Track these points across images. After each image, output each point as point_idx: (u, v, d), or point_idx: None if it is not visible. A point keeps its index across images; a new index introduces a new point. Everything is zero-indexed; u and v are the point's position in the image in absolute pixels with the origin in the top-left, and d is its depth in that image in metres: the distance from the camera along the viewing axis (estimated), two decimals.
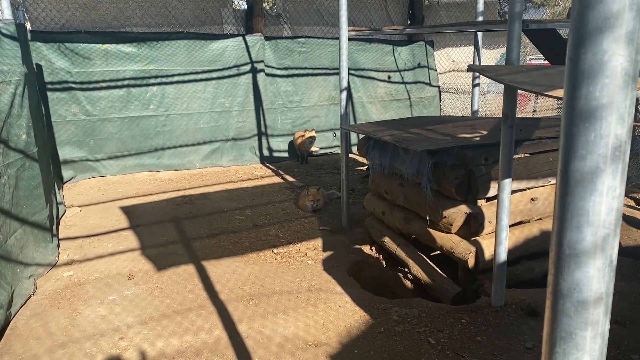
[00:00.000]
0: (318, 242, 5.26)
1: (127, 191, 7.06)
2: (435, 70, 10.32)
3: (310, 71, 8.96)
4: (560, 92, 2.64)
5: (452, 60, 10.95)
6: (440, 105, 10.48)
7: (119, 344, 3.47)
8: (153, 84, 7.86)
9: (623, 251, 5.03)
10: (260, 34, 8.69)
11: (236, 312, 3.85)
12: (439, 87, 10.38)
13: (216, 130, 8.32)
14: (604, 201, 0.76)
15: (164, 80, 7.92)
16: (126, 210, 6.22)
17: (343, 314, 3.90)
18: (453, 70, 10.85)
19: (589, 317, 0.80)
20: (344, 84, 5.38)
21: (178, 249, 5.04)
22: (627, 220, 5.82)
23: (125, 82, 7.68)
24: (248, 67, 8.44)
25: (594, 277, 0.79)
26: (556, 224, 0.81)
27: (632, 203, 6.58)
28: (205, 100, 8.20)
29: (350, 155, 8.27)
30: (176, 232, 5.47)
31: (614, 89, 0.73)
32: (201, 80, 8.15)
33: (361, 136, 5.40)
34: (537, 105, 11.33)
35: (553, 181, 4.62)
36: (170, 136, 8.06)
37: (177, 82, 8.00)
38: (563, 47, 4.21)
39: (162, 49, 7.84)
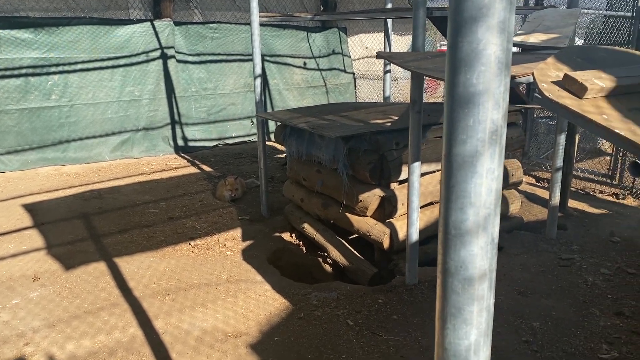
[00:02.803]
0: (237, 232, 5.20)
1: (30, 187, 6.62)
2: (350, 56, 10.46)
3: (224, 57, 8.78)
4: None
5: (365, 46, 11.14)
6: (356, 92, 10.65)
7: (24, 350, 3.27)
8: (54, 73, 7.37)
9: (525, 226, 5.39)
10: (169, 19, 8.38)
11: (152, 308, 3.74)
12: (353, 73, 10.54)
13: (126, 120, 7.97)
14: (484, 183, 0.80)
15: (66, 68, 7.45)
16: (29, 207, 5.83)
17: (263, 303, 3.90)
18: (367, 57, 11.04)
19: (474, 292, 0.85)
20: (258, 70, 5.33)
21: (88, 247, 4.80)
22: (529, 197, 6.23)
23: (23, 71, 7.15)
24: (158, 54, 8.13)
25: (478, 255, 0.83)
26: (442, 205, 0.84)
27: (533, 181, 7.05)
28: (113, 89, 7.82)
29: (269, 143, 8.23)
30: (85, 229, 5.20)
31: (490, 76, 0.77)
32: (107, 67, 7.76)
33: (279, 123, 5.37)
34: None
35: None
36: (76, 127, 7.62)
37: (81, 70, 7.56)
38: None
39: (63, 35, 7.36)
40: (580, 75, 1.88)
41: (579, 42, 8.03)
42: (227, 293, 4.01)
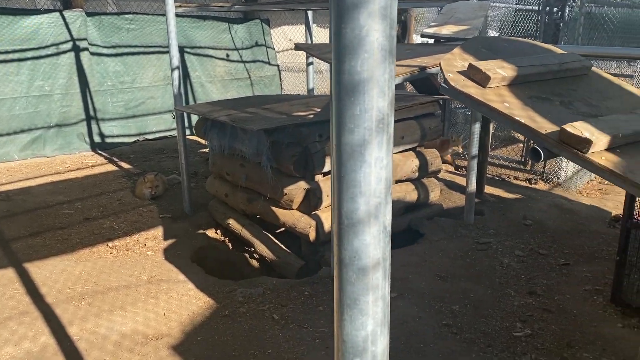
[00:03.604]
0: (159, 231, 5.03)
1: None
2: (273, 48, 10.38)
3: (141, 50, 8.44)
4: None
5: (289, 39, 11.10)
6: (281, 84, 10.58)
7: None
8: None
9: (445, 213, 5.58)
10: (80, 9, 7.94)
11: (66, 314, 3.54)
12: (278, 65, 10.47)
13: (36, 116, 7.48)
14: (373, 172, 0.80)
15: None
16: None
17: (186, 302, 3.79)
18: (291, 49, 10.99)
19: (369, 282, 0.84)
20: (175, 62, 5.15)
21: None
22: (448, 184, 6.45)
23: None
24: (69, 46, 7.69)
25: (371, 244, 0.83)
26: (335, 196, 0.83)
27: (452, 169, 7.31)
28: (20, 84, 7.31)
29: (191, 137, 8.00)
30: None
31: (373, 63, 0.76)
32: (13, 61, 7.24)
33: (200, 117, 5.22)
34: None
35: None
36: None
37: None
38: None
39: None
40: (483, 65, 1.94)
41: (493, 33, 8.38)
42: (147, 294, 3.87)
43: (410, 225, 5.21)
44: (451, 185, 6.41)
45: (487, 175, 6.44)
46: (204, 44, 9.23)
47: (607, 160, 1.58)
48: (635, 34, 7.95)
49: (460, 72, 1.99)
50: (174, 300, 3.80)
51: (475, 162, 5.17)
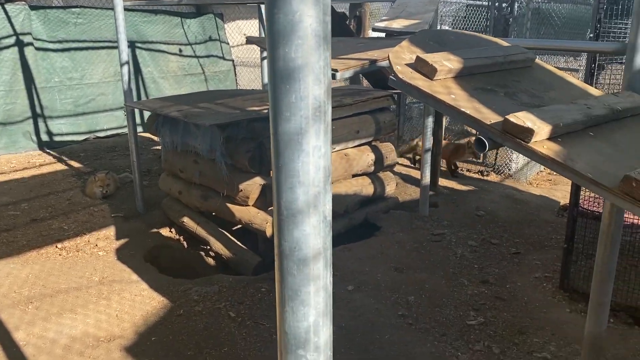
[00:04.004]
0: (110, 231, 4.89)
1: None
2: (228, 43, 10.24)
3: (90, 44, 8.17)
4: (332, 61, 2.78)
5: (243, 33, 10.97)
6: (236, 79, 10.46)
7: None
8: None
9: (400, 206, 5.64)
10: (23, 2, 7.61)
11: (12, 319, 3.39)
12: (232, 60, 10.33)
13: None
14: (311, 161, 0.78)
15: None
16: None
17: (140, 303, 3.70)
18: (245, 44, 10.88)
19: (310, 273, 0.83)
20: (125, 57, 5.01)
21: None
22: (404, 178, 6.53)
23: None
24: (12, 41, 7.36)
25: (311, 234, 0.82)
26: (274, 186, 0.81)
27: (408, 163, 7.40)
28: None
29: (144, 134, 7.81)
30: None
31: (308, 50, 0.74)
32: None
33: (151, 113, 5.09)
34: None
35: (338, 148, 4.94)
36: None
37: None
38: (336, 18, 4.47)
39: None
40: (430, 58, 1.96)
41: (445, 27, 8.51)
42: (99, 296, 3.76)
43: (367, 218, 5.24)
44: (407, 179, 6.49)
45: (442, 168, 6.56)
46: (156, 39, 9.02)
47: (548, 148, 1.62)
48: (580, 29, 8.24)
49: (409, 65, 2.00)
50: (126, 301, 3.71)
51: (429, 155, 5.25)
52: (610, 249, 2.35)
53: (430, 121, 5.12)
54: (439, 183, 6.07)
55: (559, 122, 1.68)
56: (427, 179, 5.24)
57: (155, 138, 7.61)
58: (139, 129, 7.65)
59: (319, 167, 0.79)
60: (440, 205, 5.57)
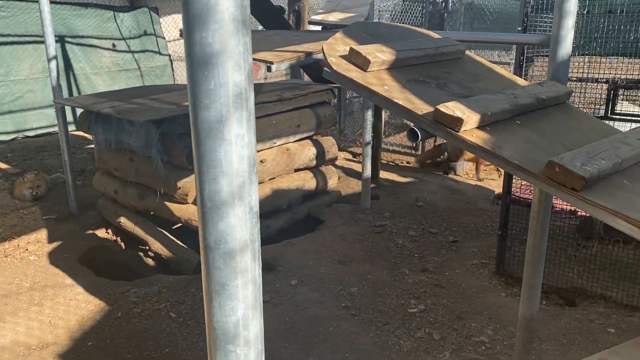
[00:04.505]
0: (42, 234, 4.65)
1: None
2: (164, 38, 9.97)
3: (15, 39, 7.73)
4: (262, 55, 2.75)
5: (179, 28, 10.72)
6: (173, 75, 10.20)
7: None
8: None
9: (343, 199, 5.69)
10: None
11: None
12: (169, 55, 10.07)
13: None
14: (234, 150, 0.76)
15: None
16: None
17: (75, 307, 3.55)
18: (180, 37, 10.63)
19: (237, 266, 0.81)
20: (52, 52, 4.78)
21: None
22: (346, 171, 6.58)
23: None
24: None
25: (237, 226, 0.79)
26: (197, 178, 0.79)
27: (350, 156, 7.46)
28: None
29: (77, 132, 7.48)
30: None
31: (225, 35, 0.72)
32: None
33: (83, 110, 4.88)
34: (267, 73, 11.92)
35: (279, 142, 4.91)
36: None
37: None
38: (273, 12, 4.43)
39: None
40: (364, 49, 1.97)
41: (384, 21, 8.62)
42: (30, 302, 3.57)
43: (309, 212, 5.25)
44: (349, 172, 6.55)
45: (382, 161, 6.66)
46: (87, 33, 8.65)
47: (477, 137, 1.66)
48: (511, 24, 8.56)
49: (342, 57, 2.00)
50: (60, 306, 3.54)
51: (369, 149, 5.31)
52: (540, 234, 2.45)
53: (369, 115, 5.18)
54: (380, 175, 6.15)
55: (487, 111, 1.73)
56: (368, 172, 5.30)
57: (88, 136, 7.31)
58: (71, 127, 7.33)
59: (242, 157, 0.77)
60: (381, 198, 5.66)
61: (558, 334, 3.25)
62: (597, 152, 1.61)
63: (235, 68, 0.74)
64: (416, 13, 7.47)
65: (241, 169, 0.77)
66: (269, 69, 2.36)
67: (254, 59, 2.69)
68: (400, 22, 7.48)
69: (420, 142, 6.97)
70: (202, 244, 0.82)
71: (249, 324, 0.84)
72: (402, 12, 7.88)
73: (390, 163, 7.09)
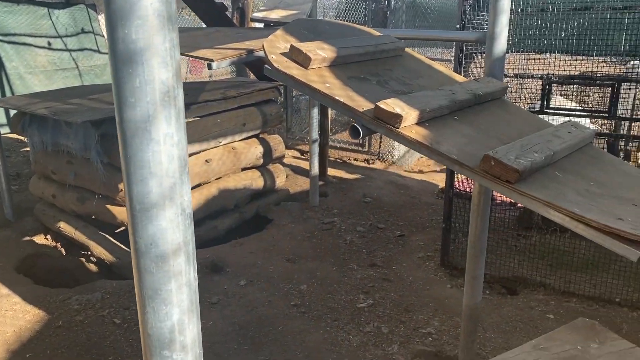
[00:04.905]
0: None
1: None
2: (103, 36, 9.63)
3: None
4: (203, 53, 2.70)
5: None
6: None
7: None
8: None
9: (291, 197, 5.68)
10: None
11: None
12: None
13: None
14: (163, 150, 0.74)
15: None
16: None
17: (11, 318, 3.38)
18: None
19: (170, 269, 0.78)
20: None
21: None
22: (294, 169, 6.58)
23: None
24: None
25: (168, 229, 0.77)
26: (125, 180, 0.76)
27: (298, 154, 7.46)
28: None
29: (12, 135, 7.12)
30: None
31: (150, 31, 0.70)
32: None
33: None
34: (212, 71, 11.71)
35: (224, 142, 4.84)
36: None
37: None
38: (215, 8, 4.36)
39: None
40: (304, 47, 1.96)
41: (329, 19, 8.65)
42: None
43: (258, 212, 5.21)
44: (297, 170, 6.54)
45: (330, 158, 6.69)
46: (20, 31, 8.25)
47: (416, 133, 1.69)
48: (453, 22, 8.79)
49: (283, 54, 1.99)
50: None
51: (316, 146, 5.32)
52: (480, 226, 2.52)
53: (316, 112, 5.19)
54: (328, 173, 6.18)
55: (426, 107, 1.76)
56: (315, 170, 5.31)
57: (23, 138, 6.98)
58: (4, 129, 6.98)
59: (172, 157, 0.75)
60: (329, 195, 5.68)
61: (501, 322, 3.36)
62: (530, 145, 1.67)
63: (162, 65, 0.71)
64: (360, 10, 7.54)
65: (171, 169, 0.75)
66: (209, 67, 2.32)
67: (194, 57, 2.64)
68: (345, 20, 7.53)
69: (367, 139, 7.06)
70: (132, 248, 0.79)
71: (185, 329, 0.82)
72: (346, 10, 7.94)
73: (338, 160, 7.14)
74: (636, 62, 5.66)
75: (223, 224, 4.83)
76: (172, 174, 0.75)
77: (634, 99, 5.71)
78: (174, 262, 0.78)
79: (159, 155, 0.73)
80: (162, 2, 0.69)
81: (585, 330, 1.41)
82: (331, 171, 6.34)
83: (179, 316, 0.81)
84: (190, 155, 4.55)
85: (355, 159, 7.14)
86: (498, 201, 4.45)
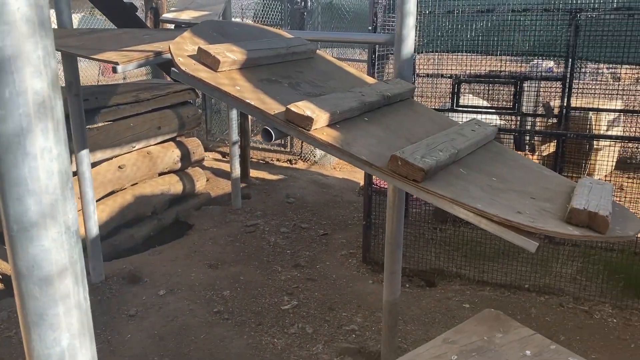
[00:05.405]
0: None
1: None
2: None
3: None
4: (108, 55, 2.58)
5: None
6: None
7: None
8: None
9: (213, 201, 5.57)
10: None
11: None
12: None
13: None
14: (40, 165, 0.69)
15: None
16: None
17: None
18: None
19: (56, 292, 0.73)
20: None
21: None
22: (215, 172, 6.46)
23: None
24: None
25: (52, 249, 0.72)
26: (0, 199, 0.70)
27: (219, 156, 7.33)
28: None
29: None
30: None
31: (19, 37, 0.64)
32: None
33: None
34: (127, 73, 11.27)
35: (138, 146, 4.67)
36: None
37: None
38: (124, 9, 4.19)
39: None
40: (213, 49, 1.92)
41: (248, 21, 8.57)
42: None
43: (178, 217, 5.07)
44: (218, 173, 6.43)
45: (252, 159, 6.63)
46: None
47: (328, 135, 1.70)
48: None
49: (191, 56, 1.94)
50: None
51: (237, 148, 5.25)
52: (396, 222, 2.59)
53: (234, 114, 5.12)
54: (250, 174, 6.12)
55: (337, 109, 1.78)
56: (237, 172, 5.25)
57: None
58: None
59: (52, 172, 0.70)
60: (252, 196, 5.63)
61: (420, 315, 3.47)
62: (435, 144, 1.73)
63: (35, 74, 0.66)
64: (278, 11, 7.53)
65: (51, 185, 0.70)
66: (114, 70, 2.21)
67: (98, 60, 2.52)
68: (262, 21, 7.50)
69: (288, 139, 7.06)
70: (12, 271, 0.73)
71: (76, 354, 0.77)
72: (263, 11, 7.90)
73: (261, 161, 7.09)
74: (540, 60, 6.04)
75: (140, 232, 4.65)
76: (52, 190, 0.70)
77: (537, 95, 6.09)
78: (60, 284, 0.73)
79: (36, 171, 0.68)
80: (31, 7, 0.64)
81: (491, 320, 1.48)
82: (254, 172, 6.28)
83: (69, 341, 0.76)
84: (102, 161, 4.35)
85: (277, 160, 7.12)
86: (414, 197, 4.60)
